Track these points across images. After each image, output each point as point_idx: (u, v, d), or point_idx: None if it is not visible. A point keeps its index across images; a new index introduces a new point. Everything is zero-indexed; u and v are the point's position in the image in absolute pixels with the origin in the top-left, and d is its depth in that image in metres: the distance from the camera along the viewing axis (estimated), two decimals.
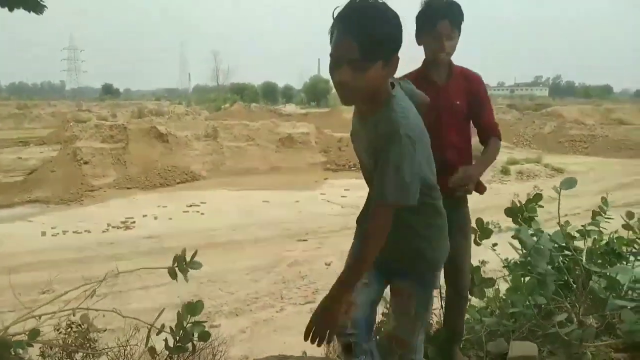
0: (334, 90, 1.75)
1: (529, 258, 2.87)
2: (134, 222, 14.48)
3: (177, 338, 2.94)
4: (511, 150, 30.04)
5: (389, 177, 1.59)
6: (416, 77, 2.36)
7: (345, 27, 1.51)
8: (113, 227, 13.98)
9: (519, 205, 3.14)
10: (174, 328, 2.99)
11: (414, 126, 1.64)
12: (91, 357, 2.43)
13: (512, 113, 42.41)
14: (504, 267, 3.16)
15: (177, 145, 23.64)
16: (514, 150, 30.40)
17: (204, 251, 3.06)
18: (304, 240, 13.11)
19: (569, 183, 2.65)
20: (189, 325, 3.01)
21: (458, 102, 2.39)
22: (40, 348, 2.37)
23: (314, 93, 55.76)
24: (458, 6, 2.32)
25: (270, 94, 65.53)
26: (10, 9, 3.26)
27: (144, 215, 15.09)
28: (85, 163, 20.93)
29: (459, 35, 2.31)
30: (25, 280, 9.20)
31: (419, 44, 2.37)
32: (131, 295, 9.02)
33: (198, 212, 15.82)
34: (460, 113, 2.42)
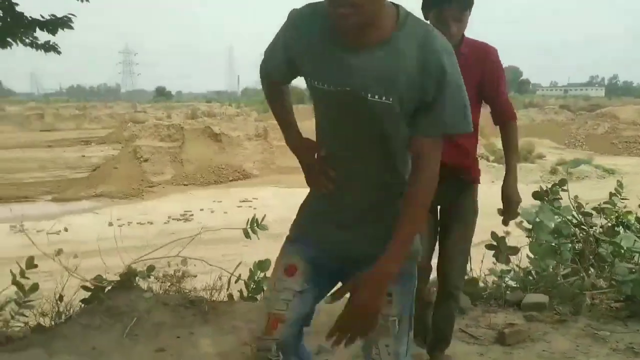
0: None
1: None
2: (192, 215, 15.50)
3: (250, 289, 3.65)
4: (562, 151, 29.63)
5: (452, 100, 1.30)
6: None
7: None
8: (173, 219, 15.04)
9: (544, 189, 3.64)
10: (246, 281, 3.72)
11: None
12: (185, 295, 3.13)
13: (564, 114, 41.58)
14: (527, 237, 3.64)
15: (229, 145, 24.74)
16: (565, 151, 29.95)
17: (256, 241, 3.69)
18: None
19: (576, 163, 3.14)
20: (259, 279, 3.73)
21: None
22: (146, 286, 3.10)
23: None
24: None
25: None
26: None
27: (201, 209, 16.12)
28: (145, 161, 22.30)
29: (470, 13, 2.00)
30: (96, 263, 10.27)
31: (425, 19, 2.02)
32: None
33: (250, 207, 16.71)
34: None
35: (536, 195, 3.68)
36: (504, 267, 3.64)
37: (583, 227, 3.60)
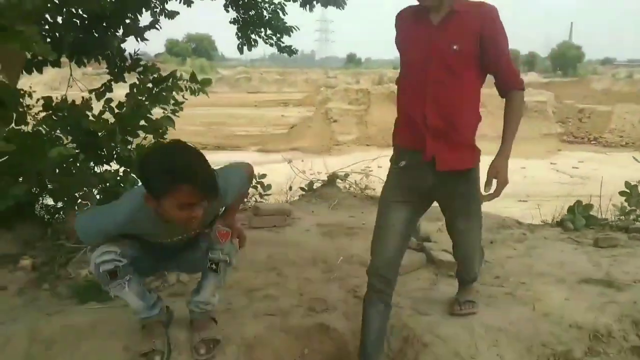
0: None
1: None
2: (371, 170, 17.20)
3: None
4: None
5: None
6: (414, 13, 1.97)
7: None
8: (354, 172, 16.91)
9: None
10: None
11: None
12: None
13: None
14: None
15: None
16: None
17: None
18: (524, 201, 13.96)
19: None
20: None
21: (456, 47, 1.84)
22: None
23: (562, 61, 50.75)
24: None
25: None
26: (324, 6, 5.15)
27: (379, 167, 17.73)
28: (334, 122, 24.65)
29: None
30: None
31: None
32: None
33: None
34: (459, 60, 1.87)
35: None
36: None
37: None
